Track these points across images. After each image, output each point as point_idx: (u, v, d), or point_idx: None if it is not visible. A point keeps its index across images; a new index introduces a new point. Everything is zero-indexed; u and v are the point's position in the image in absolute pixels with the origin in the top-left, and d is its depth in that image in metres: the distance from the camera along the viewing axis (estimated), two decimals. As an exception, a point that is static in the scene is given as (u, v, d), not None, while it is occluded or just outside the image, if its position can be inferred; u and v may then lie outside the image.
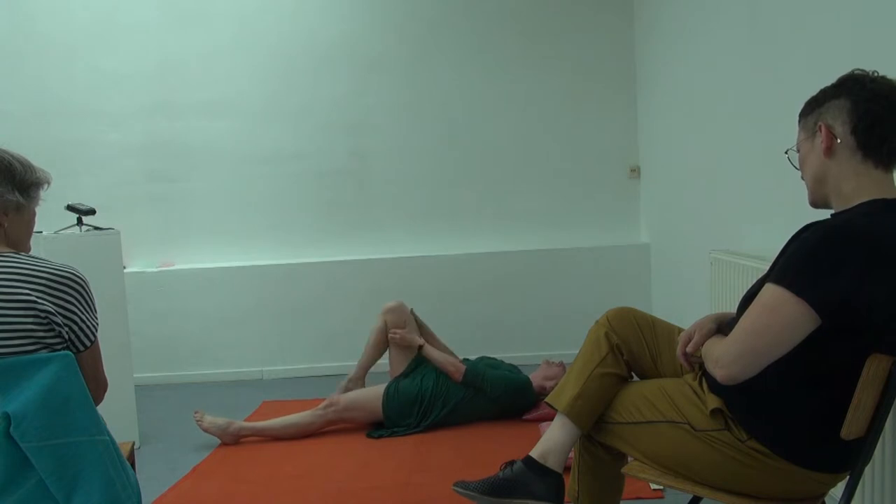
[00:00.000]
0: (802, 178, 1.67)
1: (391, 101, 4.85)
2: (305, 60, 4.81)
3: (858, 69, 1.60)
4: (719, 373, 1.53)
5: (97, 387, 1.62)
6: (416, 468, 2.97)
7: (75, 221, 3.38)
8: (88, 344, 1.58)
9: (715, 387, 1.69)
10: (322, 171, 4.84)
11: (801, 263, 1.45)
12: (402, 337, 3.60)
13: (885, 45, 2.23)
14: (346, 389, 3.61)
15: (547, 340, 4.57)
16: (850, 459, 1.59)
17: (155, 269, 4.69)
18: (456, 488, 1.95)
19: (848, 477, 1.64)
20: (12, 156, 1.62)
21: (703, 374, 1.77)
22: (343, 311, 4.69)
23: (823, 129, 1.56)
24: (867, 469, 2.12)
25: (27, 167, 1.64)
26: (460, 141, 4.88)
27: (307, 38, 4.81)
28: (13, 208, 1.61)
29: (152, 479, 2.94)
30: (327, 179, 4.85)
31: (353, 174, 4.87)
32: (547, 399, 1.97)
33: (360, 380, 3.67)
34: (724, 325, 1.73)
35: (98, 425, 1.51)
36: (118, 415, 2.99)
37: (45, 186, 1.70)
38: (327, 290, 4.70)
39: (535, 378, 3.54)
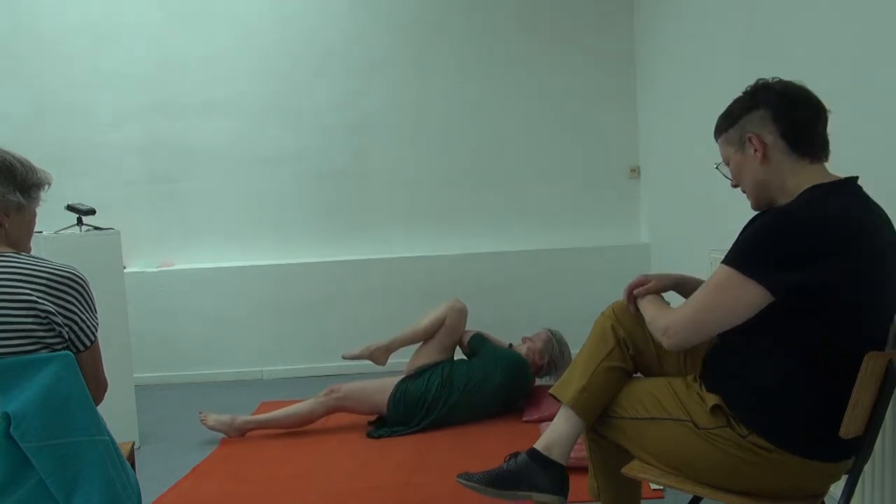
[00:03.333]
0: (735, 186, 1.78)
1: (391, 102, 4.85)
2: (306, 61, 4.82)
3: (762, 79, 1.72)
4: (667, 342, 1.66)
5: (97, 387, 1.62)
6: (416, 468, 2.97)
7: (75, 221, 3.38)
8: (88, 344, 1.58)
9: (712, 385, 1.70)
10: (322, 172, 4.84)
11: (750, 246, 1.57)
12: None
13: (885, 44, 2.23)
14: (370, 353, 3.65)
15: (547, 340, 4.56)
16: (850, 447, 1.59)
17: (155, 269, 4.69)
18: (459, 479, 1.95)
19: (847, 476, 1.65)
20: (13, 156, 1.63)
21: (702, 374, 1.78)
22: (343, 311, 4.70)
23: (754, 139, 1.66)
24: (867, 467, 2.13)
25: (28, 168, 1.65)
26: (460, 141, 4.88)
27: (307, 38, 4.81)
28: (14, 209, 1.61)
29: (152, 479, 2.93)
30: (327, 179, 4.85)
31: (353, 174, 4.87)
32: (551, 391, 1.96)
33: (387, 352, 3.69)
34: (682, 287, 1.89)
35: (98, 425, 1.51)
36: (118, 415, 2.99)
37: (46, 187, 1.70)
38: (327, 290, 4.70)
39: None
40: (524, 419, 3.49)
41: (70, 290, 1.54)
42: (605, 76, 4.85)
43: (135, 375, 3.55)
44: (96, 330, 1.61)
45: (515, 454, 1.94)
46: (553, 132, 4.87)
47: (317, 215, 4.87)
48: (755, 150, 1.66)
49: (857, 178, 1.64)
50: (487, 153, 4.88)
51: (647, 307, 1.82)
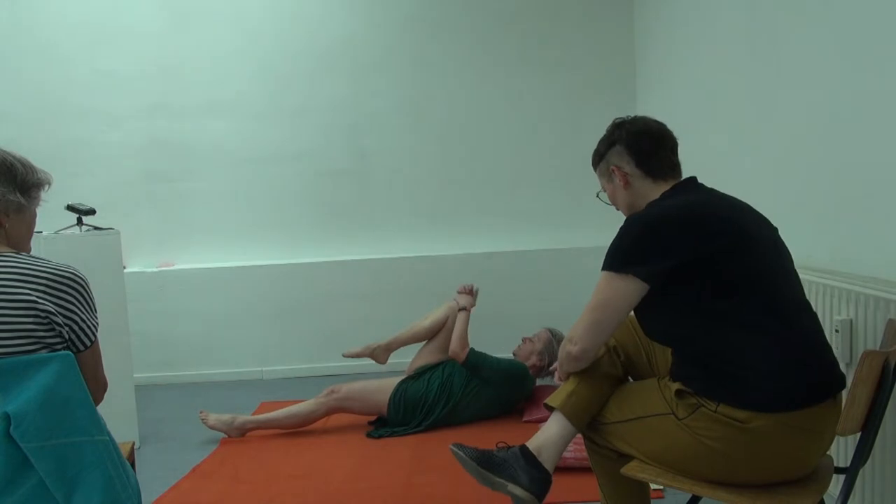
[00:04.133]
0: (618, 209, 2.06)
1: (391, 102, 4.85)
2: (306, 60, 4.82)
3: (617, 118, 2.04)
4: (575, 348, 1.85)
5: (97, 387, 1.62)
6: (416, 468, 2.98)
7: (75, 221, 3.38)
8: (88, 344, 1.58)
9: (674, 377, 1.81)
10: (322, 171, 4.84)
11: (614, 250, 1.82)
12: (471, 290, 3.71)
13: (883, 40, 2.23)
14: (371, 351, 3.65)
15: (547, 340, 4.57)
16: (815, 385, 1.66)
17: (155, 269, 4.69)
18: (453, 447, 2.00)
19: (845, 476, 1.65)
20: (14, 157, 1.63)
21: (669, 370, 1.86)
22: (343, 311, 4.70)
23: (616, 171, 1.98)
24: (867, 466, 2.13)
25: (28, 168, 1.65)
26: (460, 141, 4.88)
27: (307, 38, 4.81)
28: (14, 209, 1.61)
29: (152, 479, 2.94)
30: (327, 179, 4.85)
31: (353, 174, 4.87)
32: (546, 401, 1.99)
33: (387, 351, 3.68)
34: None
35: (98, 425, 1.51)
36: (118, 415, 3.00)
37: (46, 187, 1.71)
38: (327, 290, 4.70)
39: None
40: (525, 419, 3.49)
41: (70, 290, 1.55)
42: (605, 75, 4.85)
43: (135, 375, 3.55)
44: (96, 330, 1.61)
45: (509, 446, 1.98)
46: (553, 131, 4.87)
47: (317, 215, 4.87)
48: (619, 179, 1.97)
49: (695, 177, 1.95)
50: (487, 152, 4.88)
51: (559, 354, 1.97)
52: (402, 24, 4.83)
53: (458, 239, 4.88)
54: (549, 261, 4.74)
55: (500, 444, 2.00)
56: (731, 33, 3.40)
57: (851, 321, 2.23)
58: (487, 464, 1.93)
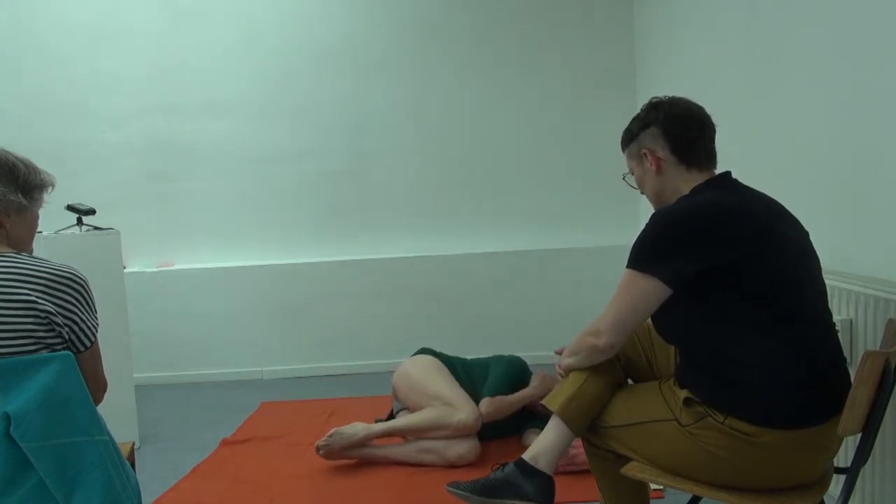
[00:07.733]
0: (643, 193, 1.99)
1: (391, 102, 4.85)
2: (306, 61, 4.82)
3: (655, 97, 1.93)
4: (600, 342, 1.79)
5: (97, 387, 1.62)
6: (416, 468, 2.97)
7: (75, 221, 3.38)
8: (88, 344, 1.58)
9: (681, 381, 1.78)
10: (322, 172, 4.84)
11: (639, 246, 1.75)
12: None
13: (883, 40, 2.23)
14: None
15: (546, 341, 4.52)
16: (824, 407, 1.63)
17: (155, 269, 4.69)
18: (449, 488, 1.98)
19: (845, 476, 1.65)
20: (17, 157, 1.63)
21: (675, 373, 1.83)
22: (343, 311, 4.69)
23: (648, 154, 1.89)
24: (867, 466, 2.13)
25: (31, 169, 1.65)
26: (460, 141, 4.88)
27: (307, 38, 4.81)
28: (15, 209, 1.61)
29: (152, 479, 2.94)
30: (327, 179, 4.85)
31: (353, 174, 4.87)
32: (543, 401, 1.98)
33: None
34: None
35: (98, 425, 1.51)
36: (118, 415, 3.00)
37: (50, 189, 1.71)
38: (327, 290, 4.70)
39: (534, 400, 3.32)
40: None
41: (70, 290, 1.55)
42: (605, 75, 4.84)
43: (135, 375, 3.55)
44: (96, 330, 1.61)
45: (504, 464, 1.96)
46: (553, 132, 4.86)
47: (317, 215, 4.87)
48: (651, 164, 1.88)
49: (729, 172, 1.87)
50: (487, 153, 4.88)
51: (572, 346, 1.94)
52: (402, 24, 4.83)
53: (458, 239, 4.88)
54: (549, 261, 4.74)
55: (494, 467, 1.98)
56: (730, 33, 3.40)
57: (851, 321, 2.23)
58: (489, 491, 1.90)
